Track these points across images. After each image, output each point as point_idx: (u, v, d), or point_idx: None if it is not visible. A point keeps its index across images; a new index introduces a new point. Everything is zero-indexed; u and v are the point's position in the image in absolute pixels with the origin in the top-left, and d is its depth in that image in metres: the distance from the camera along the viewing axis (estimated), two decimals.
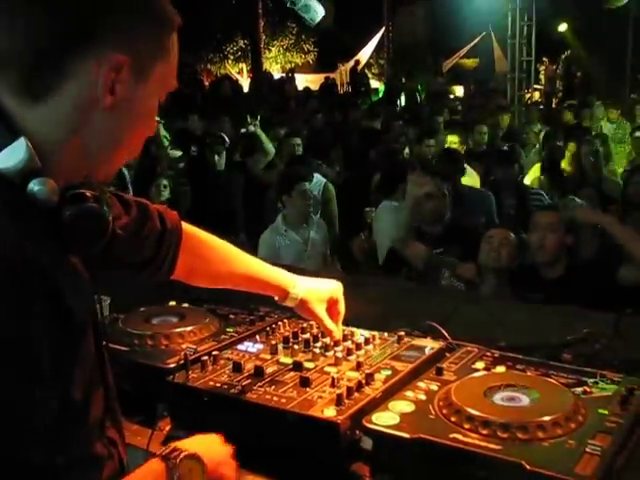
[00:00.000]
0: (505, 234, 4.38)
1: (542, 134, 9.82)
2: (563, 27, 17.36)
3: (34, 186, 1.16)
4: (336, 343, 2.03)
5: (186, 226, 1.86)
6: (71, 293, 1.16)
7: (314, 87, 19.17)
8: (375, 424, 1.61)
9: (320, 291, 2.04)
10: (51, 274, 1.13)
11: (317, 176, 7.09)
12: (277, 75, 22.55)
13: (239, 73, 25.01)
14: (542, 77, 20.01)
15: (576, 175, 7.15)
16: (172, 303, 2.42)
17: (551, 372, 1.85)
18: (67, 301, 1.14)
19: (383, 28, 24.31)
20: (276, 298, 2.02)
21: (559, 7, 16.32)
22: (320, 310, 2.03)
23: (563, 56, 21.04)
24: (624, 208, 5.90)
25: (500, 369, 1.87)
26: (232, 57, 25.59)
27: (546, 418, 1.55)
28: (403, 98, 17.62)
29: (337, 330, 2.05)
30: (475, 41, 23.70)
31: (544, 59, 19.97)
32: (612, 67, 17.85)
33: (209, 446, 1.46)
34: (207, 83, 21.39)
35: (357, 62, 22.76)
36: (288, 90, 19.16)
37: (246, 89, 20.12)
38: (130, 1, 1.23)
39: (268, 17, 24.07)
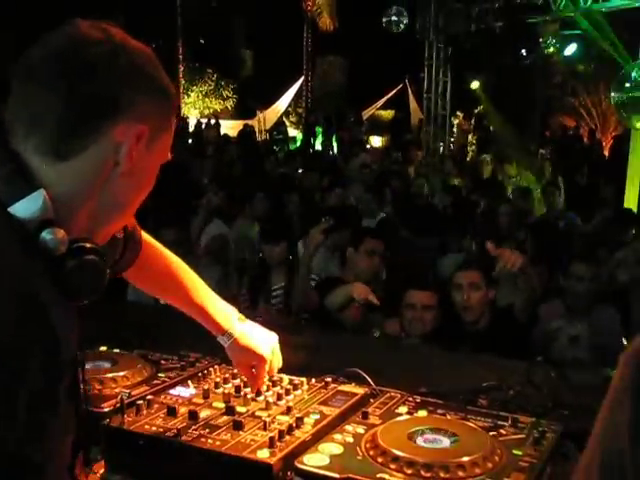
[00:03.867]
0: (426, 298, 4.35)
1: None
2: (475, 84, 17.94)
3: (46, 235, 1.27)
4: (258, 392, 2.09)
5: (147, 236, 1.96)
6: (62, 331, 1.26)
7: (233, 133, 19.30)
8: (306, 465, 1.69)
9: (250, 347, 2.07)
10: (49, 311, 1.24)
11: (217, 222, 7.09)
12: (194, 120, 22.56)
13: None
14: (455, 130, 20.59)
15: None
16: (103, 348, 2.46)
17: (469, 416, 1.97)
18: (59, 339, 1.25)
19: (302, 77, 24.71)
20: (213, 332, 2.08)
21: (473, 63, 16.91)
22: (241, 365, 2.10)
23: (475, 111, 21.74)
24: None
25: (422, 413, 1.99)
26: None
27: (465, 458, 1.67)
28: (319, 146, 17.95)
29: (258, 381, 2.10)
30: (392, 93, 24.34)
31: (458, 113, 20.59)
32: (522, 122, 18.53)
33: None
34: None
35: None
36: (207, 136, 19.22)
37: None
38: (150, 78, 1.39)
39: (187, 62, 24.19)
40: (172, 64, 22.47)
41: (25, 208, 1.27)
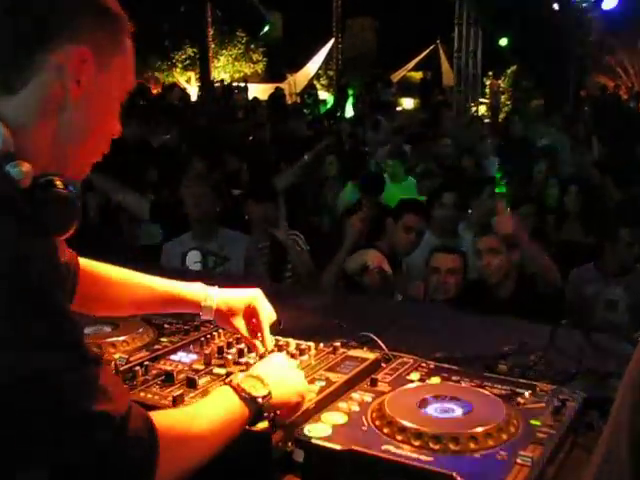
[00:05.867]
0: (450, 261, 4.29)
1: None
2: (503, 42, 17.43)
3: (10, 168, 1.25)
4: (262, 356, 1.99)
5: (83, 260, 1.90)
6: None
7: (263, 97, 19.15)
8: (307, 436, 1.59)
9: (233, 301, 2.01)
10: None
11: None
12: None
13: (187, 81, 24.90)
14: (487, 91, 20.26)
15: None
16: None
17: (485, 383, 1.84)
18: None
19: (332, 40, 24.41)
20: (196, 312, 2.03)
21: (505, 22, 16.55)
22: (236, 321, 2.01)
23: (509, 71, 21.35)
24: (559, 217, 6.07)
25: (435, 380, 1.86)
26: (180, 65, 25.48)
27: (478, 429, 1.54)
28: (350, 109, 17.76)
29: (264, 341, 2.01)
30: (423, 54, 24.02)
31: (489, 73, 20.24)
32: (555, 82, 18.12)
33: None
34: (155, 91, 21.19)
35: None
36: (237, 99, 19.10)
37: (194, 98, 20.05)
38: (82, 1, 1.35)
39: (217, 26, 23.98)
40: (201, 28, 22.23)
41: None
